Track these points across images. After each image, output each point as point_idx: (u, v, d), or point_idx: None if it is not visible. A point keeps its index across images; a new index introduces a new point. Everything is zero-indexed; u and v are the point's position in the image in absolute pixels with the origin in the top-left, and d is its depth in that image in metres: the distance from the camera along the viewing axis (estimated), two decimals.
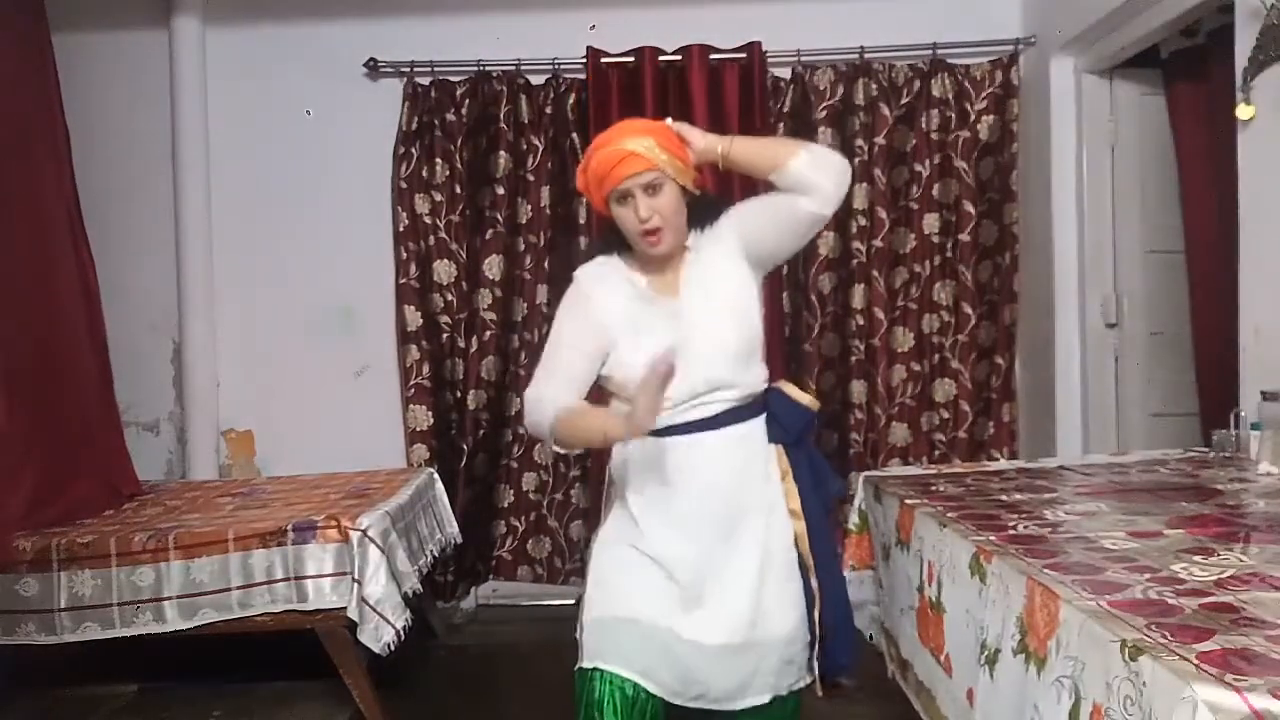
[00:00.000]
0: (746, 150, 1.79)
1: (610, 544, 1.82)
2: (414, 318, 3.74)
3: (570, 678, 1.76)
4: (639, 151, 1.69)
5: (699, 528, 1.75)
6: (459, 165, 3.76)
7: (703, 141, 1.77)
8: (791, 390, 1.88)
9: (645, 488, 1.78)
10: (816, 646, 1.79)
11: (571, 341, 1.82)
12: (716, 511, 1.75)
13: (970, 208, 3.72)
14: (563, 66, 3.73)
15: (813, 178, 1.70)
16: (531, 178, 3.75)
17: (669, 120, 1.79)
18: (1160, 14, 2.93)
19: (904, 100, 3.72)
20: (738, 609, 1.74)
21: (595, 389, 1.83)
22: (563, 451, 1.94)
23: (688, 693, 1.73)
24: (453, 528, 3.43)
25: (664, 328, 1.74)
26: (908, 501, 1.99)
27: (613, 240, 1.86)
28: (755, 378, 1.81)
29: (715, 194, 1.90)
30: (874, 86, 3.68)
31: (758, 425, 1.81)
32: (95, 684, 2.99)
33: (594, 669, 1.70)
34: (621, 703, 1.68)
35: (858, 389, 3.73)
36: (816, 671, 1.80)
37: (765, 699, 1.77)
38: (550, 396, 1.76)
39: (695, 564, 1.74)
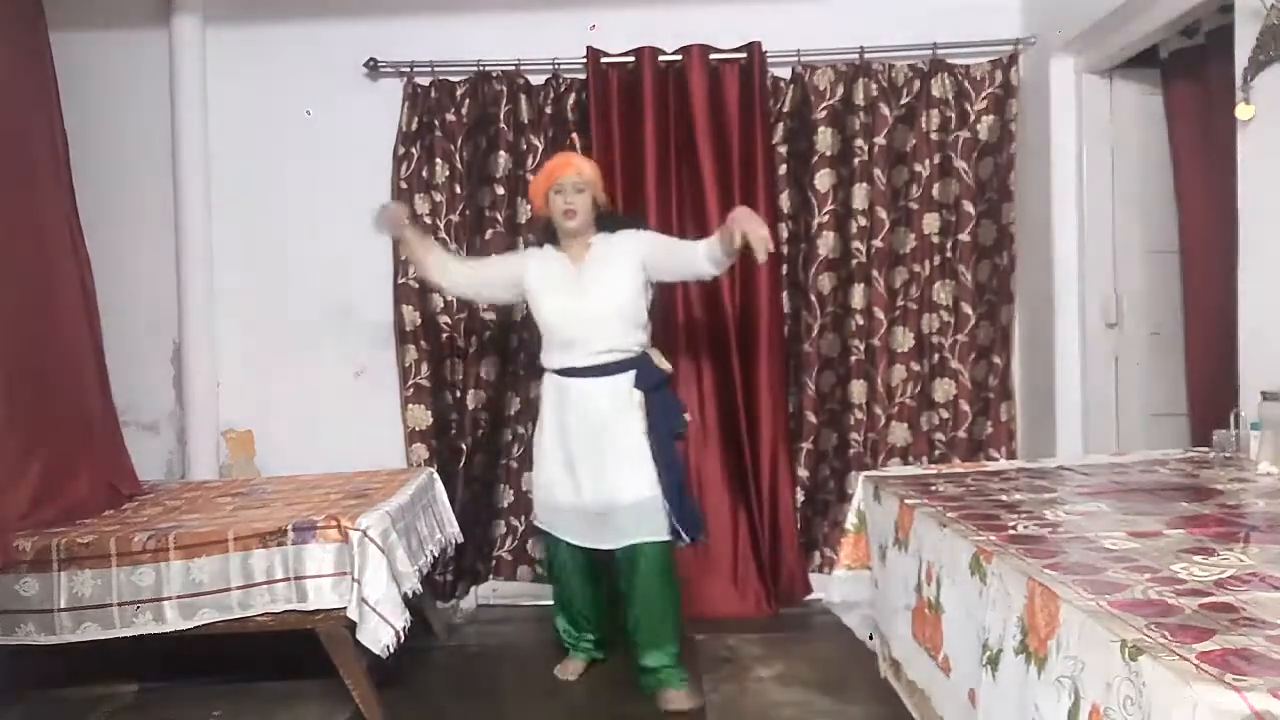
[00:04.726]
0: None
1: (540, 448, 2.97)
2: (413, 318, 3.74)
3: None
4: (580, 166, 2.90)
5: (582, 437, 2.83)
6: (459, 165, 3.76)
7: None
8: (655, 356, 2.94)
9: (554, 408, 2.90)
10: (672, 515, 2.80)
11: (493, 262, 3.22)
12: (594, 427, 2.82)
13: (970, 208, 3.72)
14: (563, 66, 3.73)
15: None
16: (531, 178, 3.74)
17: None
18: (1160, 14, 2.93)
19: (904, 100, 3.72)
20: (605, 488, 2.80)
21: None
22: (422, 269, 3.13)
23: (593, 538, 2.86)
24: (453, 528, 3.43)
25: (567, 285, 2.87)
26: (907, 501, 1.99)
27: (546, 236, 3.02)
28: (634, 340, 2.86)
29: (619, 213, 3.20)
30: (874, 86, 3.68)
31: (628, 377, 2.84)
32: (95, 684, 2.99)
33: (545, 531, 3.00)
34: (563, 545, 2.96)
35: (857, 389, 3.73)
36: (674, 531, 2.81)
37: (636, 541, 2.78)
38: (449, 257, 3.20)
39: (580, 459, 2.83)
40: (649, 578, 2.80)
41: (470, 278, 3.06)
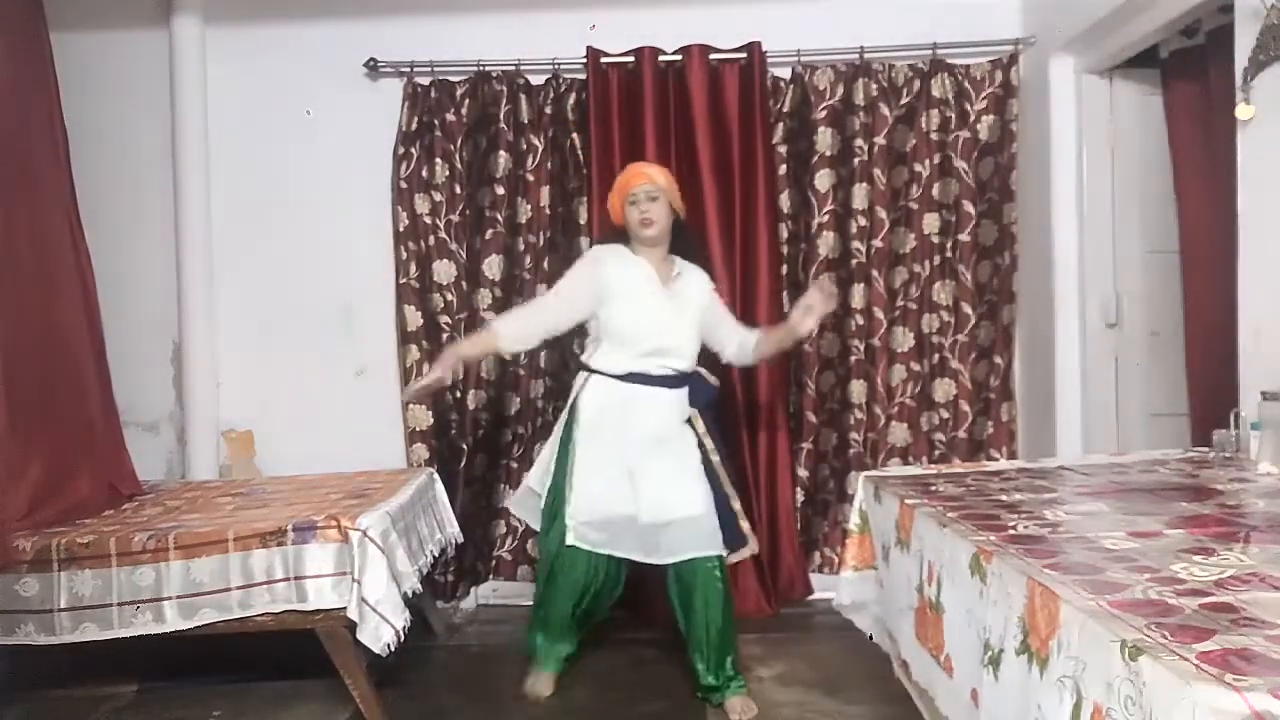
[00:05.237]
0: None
1: (585, 465, 2.77)
2: (414, 318, 3.74)
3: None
4: (653, 175, 2.85)
5: (645, 447, 2.75)
6: (459, 165, 3.76)
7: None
8: (704, 373, 2.95)
9: (617, 414, 2.78)
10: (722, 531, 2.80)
11: (568, 289, 2.87)
12: (658, 437, 2.78)
13: (970, 208, 3.72)
14: (563, 66, 3.73)
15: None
16: (531, 178, 3.75)
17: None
18: (1160, 14, 2.93)
19: (904, 100, 3.72)
20: (663, 501, 2.73)
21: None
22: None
23: (643, 552, 2.76)
24: (453, 528, 3.43)
25: (657, 296, 2.81)
26: (908, 501, 1.99)
27: (616, 237, 2.92)
28: (690, 364, 2.87)
29: (690, 228, 3.09)
30: (874, 86, 3.69)
31: (683, 392, 2.85)
32: (95, 684, 2.99)
33: (577, 548, 2.77)
34: (584, 558, 2.79)
35: (857, 389, 3.73)
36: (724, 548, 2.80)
37: (693, 555, 2.74)
38: (512, 318, 2.94)
39: (641, 468, 2.73)
40: (712, 595, 2.75)
41: (550, 323, 2.88)
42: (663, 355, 2.79)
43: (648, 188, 2.80)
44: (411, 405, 3.74)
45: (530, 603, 3.72)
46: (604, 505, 2.74)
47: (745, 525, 2.96)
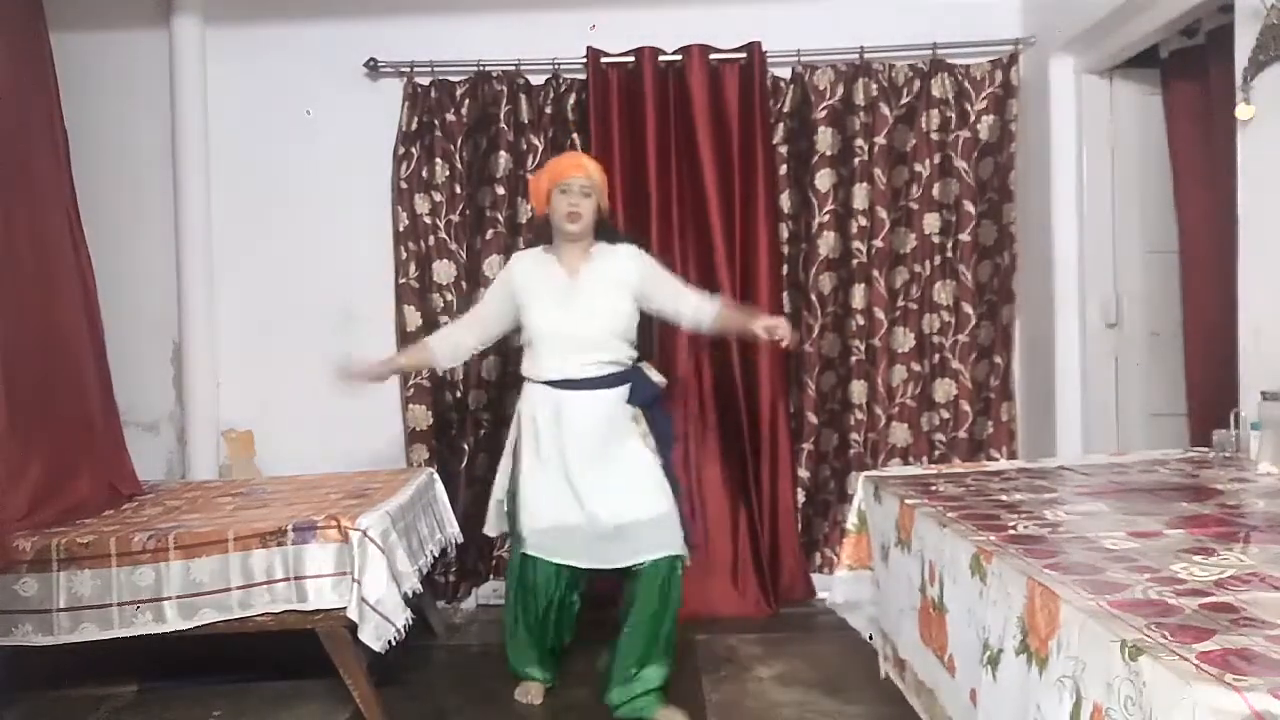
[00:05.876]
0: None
1: (530, 473, 2.75)
2: (414, 318, 3.74)
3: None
4: (589, 170, 2.77)
5: (582, 452, 2.69)
6: (459, 165, 3.76)
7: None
8: (649, 370, 2.85)
9: (549, 422, 2.72)
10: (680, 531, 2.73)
11: (487, 300, 2.95)
12: (591, 442, 2.70)
13: (970, 208, 3.72)
14: (563, 66, 3.73)
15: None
16: (531, 178, 3.75)
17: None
18: (1160, 14, 2.93)
19: (904, 100, 3.72)
20: (615, 504, 2.67)
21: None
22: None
23: (599, 558, 2.72)
24: (453, 528, 3.43)
25: (560, 294, 2.74)
26: (908, 501, 1.99)
27: (541, 238, 2.91)
28: (622, 354, 2.76)
29: (619, 230, 3.02)
30: (874, 86, 3.69)
31: (620, 390, 2.75)
32: (95, 684, 2.99)
33: (535, 557, 2.75)
34: (543, 567, 2.76)
35: (858, 389, 3.73)
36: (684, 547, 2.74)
37: (652, 557, 2.67)
38: (445, 333, 3.01)
39: (579, 474, 2.68)
40: (656, 591, 2.68)
41: (477, 336, 2.91)
42: (583, 352, 2.71)
43: (582, 181, 2.72)
44: (411, 405, 3.75)
45: None
46: (551, 514, 2.71)
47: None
